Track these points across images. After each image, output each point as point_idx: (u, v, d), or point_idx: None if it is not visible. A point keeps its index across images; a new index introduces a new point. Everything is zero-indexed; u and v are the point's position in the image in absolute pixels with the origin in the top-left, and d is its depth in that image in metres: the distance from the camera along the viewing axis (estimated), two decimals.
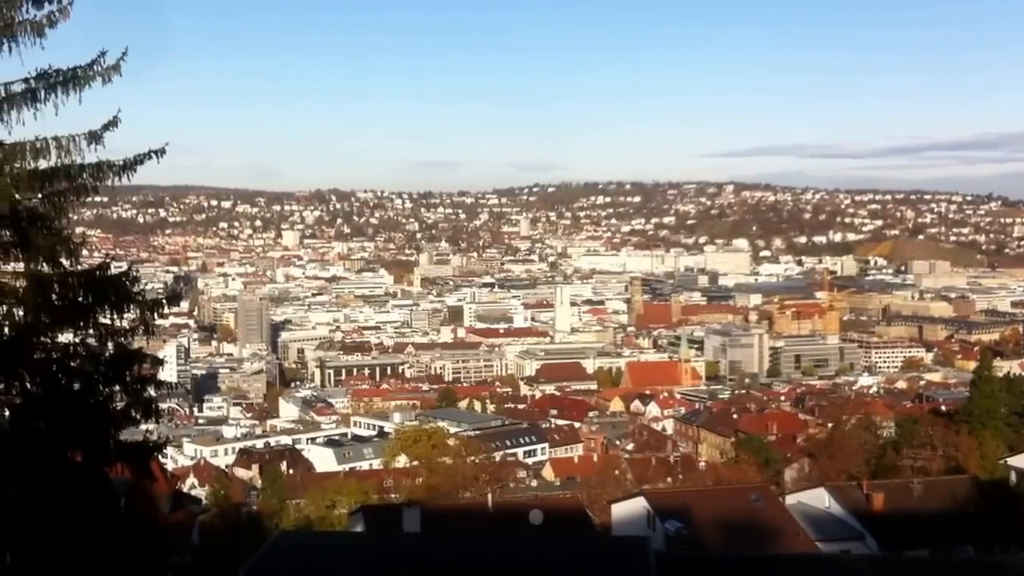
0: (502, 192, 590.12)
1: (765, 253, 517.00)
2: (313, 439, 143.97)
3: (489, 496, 53.21)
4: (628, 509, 47.51)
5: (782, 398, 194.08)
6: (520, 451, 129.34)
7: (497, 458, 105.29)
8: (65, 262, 18.97)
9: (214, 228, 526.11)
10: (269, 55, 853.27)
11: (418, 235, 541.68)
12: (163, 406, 20.94)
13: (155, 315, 20.14)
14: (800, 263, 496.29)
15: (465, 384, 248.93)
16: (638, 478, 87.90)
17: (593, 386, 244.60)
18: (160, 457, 21.51)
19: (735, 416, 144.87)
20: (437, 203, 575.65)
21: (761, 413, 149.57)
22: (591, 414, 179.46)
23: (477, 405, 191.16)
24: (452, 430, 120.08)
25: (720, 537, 40.92)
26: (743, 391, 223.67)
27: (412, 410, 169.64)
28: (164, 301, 20.83)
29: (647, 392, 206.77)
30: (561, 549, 24.73)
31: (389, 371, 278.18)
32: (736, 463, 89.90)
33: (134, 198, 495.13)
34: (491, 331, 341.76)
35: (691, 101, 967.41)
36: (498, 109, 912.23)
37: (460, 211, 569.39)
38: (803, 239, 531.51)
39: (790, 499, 51.96)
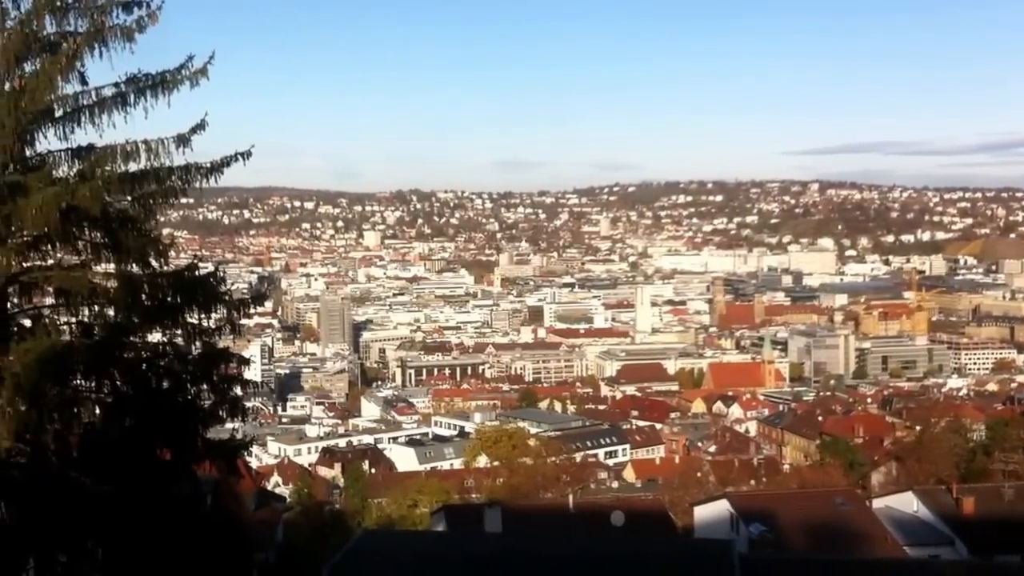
0: (582, 192, 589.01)
1: (851, 252, 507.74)
2: (395, 438, 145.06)
3: (570, 497, 53.05)
4: (711, 512, 47.00)
5: (868, 400, 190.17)
6: (601, 452, 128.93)
7: (578, 459, 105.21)
8: (154, 263, 19.28)
9: (297, 229, 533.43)
10: (351, 59, 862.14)
11: (498, 235, 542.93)
12: (248, 405, 21.20)
13: (241, 315, 20.43)
14: (887, 263, 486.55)
15: (545, 384, 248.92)
16: (720, 480, 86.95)
17: (674, 387, 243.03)
18: (245, 455, 21.77)
19: (820, 418, 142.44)
20: (517, 203, 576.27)
21: (847, 415, 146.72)
22: (672, 415, 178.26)
23: (558, 406, 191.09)
24: (533, 430, 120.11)
25: (805, 541, 40.26)
26: (828, 393, 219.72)
27: (493, 410, 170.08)
28: (250, 301, 21.14)
29: (730, 393, 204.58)
30: (644, 551, 24.52)
31: (470, 371, 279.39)
32: (821, 466, 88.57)
33: (219, 199, 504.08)
34: (571, 331, 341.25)
35: (774, 98, 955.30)
36: (578, 108, 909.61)
37: (540, 211, 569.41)
38: (890, 238, 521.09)
39: (877, 503, 50.85)
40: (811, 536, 40.51)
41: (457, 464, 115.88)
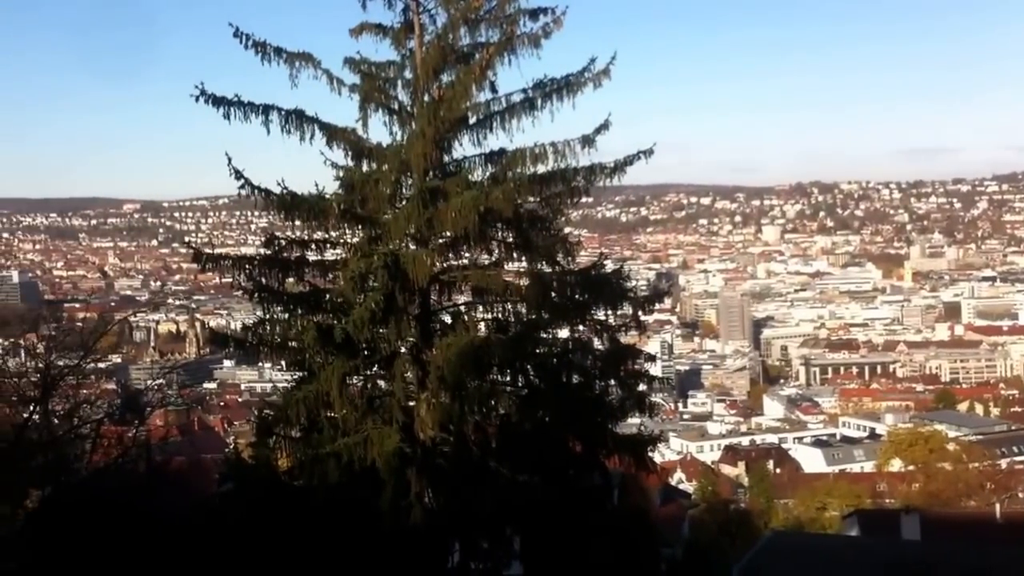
0: (1003, 178, 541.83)
1: None
2: (800, 438, 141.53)
3: (996, 506, 48.96)
4: None
5: None
6: None
7: (1004, 465, 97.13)
8: (562, 261, 19.89)
9: (694, 225, 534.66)
10: (745, 55, 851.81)
11: (908, 227, 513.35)
12: (652, 400, 21.31)
13: (645, 312, 20.57)
14: None
15: (964, 385, 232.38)
16: None
17: None
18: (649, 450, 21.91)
19: None
20: (929, 192, 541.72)
21: None
22: None
23: (979, 408, 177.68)
24: (951, 434, 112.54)
25: None
26: None
27: (905, 411, 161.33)
28: (652, 298, 21.23)
29: None
30: None
31: (879, 370, 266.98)
32: None
33: (617, 198, 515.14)
34: (993, 328, 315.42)
35: None
36: (997, 86, 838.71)
37: (955, 200, 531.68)
38: None
39: None
40: None
41: (868, 467, 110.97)
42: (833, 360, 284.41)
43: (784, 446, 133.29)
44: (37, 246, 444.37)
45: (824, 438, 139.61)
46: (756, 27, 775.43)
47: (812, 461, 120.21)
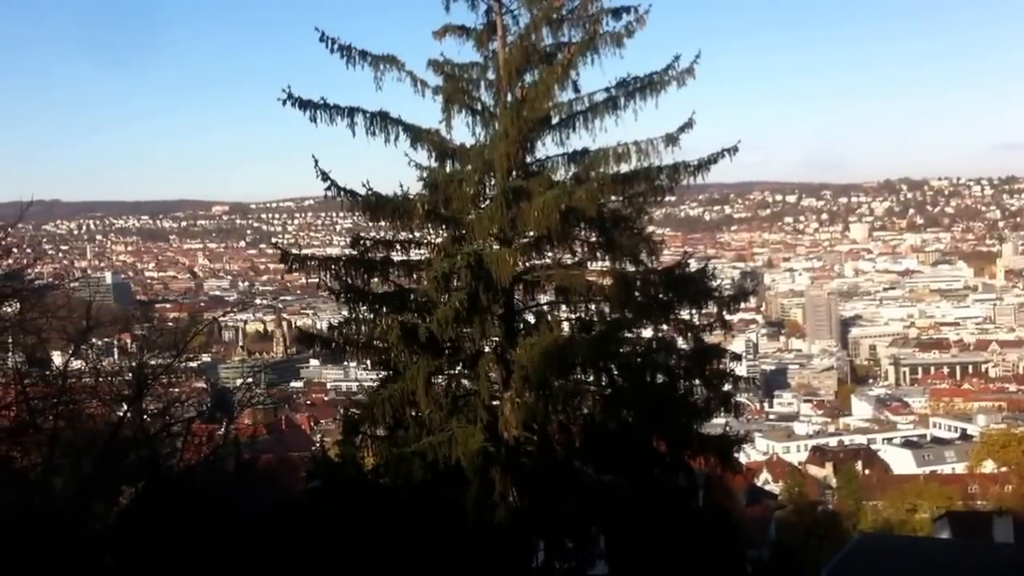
0: None
1: None
2: (889, 439, 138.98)
3: None
4: None
5: None
6: None
7: None
8: (645, 260, 19.77)
9: (779, 223, 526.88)
10: (831, 48, 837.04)
11: (1000, 223, 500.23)
12: (737, 400, 21.10)
13: (729, 311, 20.38)
14: None
15: None
16: None
17: None
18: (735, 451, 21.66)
19: None
20: (1021, 188, 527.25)
21: None
22: None
23: None
24: None
25: None
26: None
27: (998, 412, 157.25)
28: (738, 297, 21.01)
29: None
30: None
31: (971, 370, 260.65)
32: None
33: (700, 196, 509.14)
34: None
35: None
36: None
37: None
38: None
39: None
40: None
41: (959, 468, 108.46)
42: (923, 360, 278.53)
43: (873, 447, 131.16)
44: (129, 248, 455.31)
45: (914, 439, 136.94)
46: (841, 21, 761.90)
47: (902, 462, 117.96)
